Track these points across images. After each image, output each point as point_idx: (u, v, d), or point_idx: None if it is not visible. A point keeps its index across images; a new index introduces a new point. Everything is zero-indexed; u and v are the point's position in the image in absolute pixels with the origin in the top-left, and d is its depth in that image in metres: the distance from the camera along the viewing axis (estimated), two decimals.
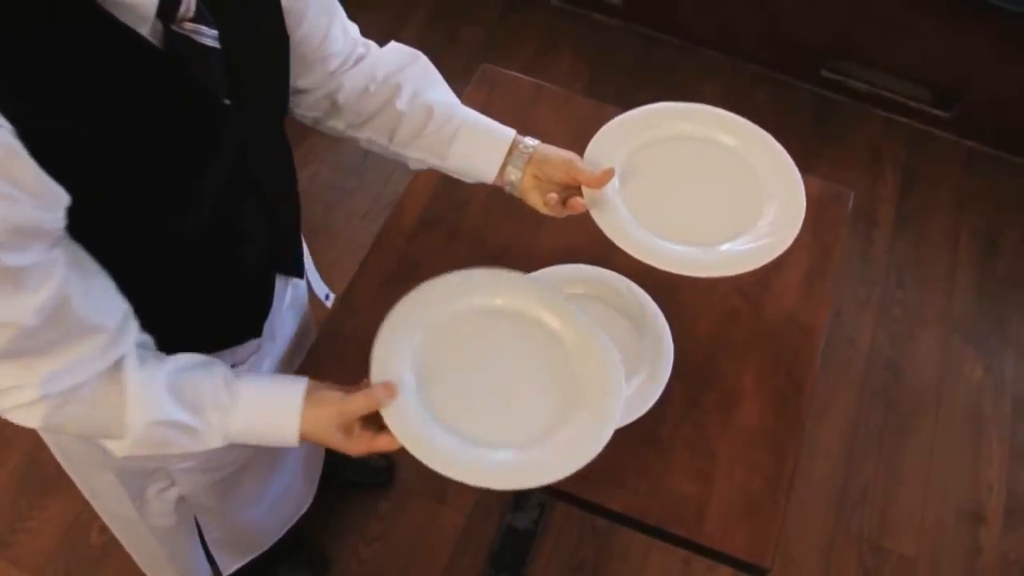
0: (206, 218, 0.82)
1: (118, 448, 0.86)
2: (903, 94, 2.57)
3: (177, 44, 0.69)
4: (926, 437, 2.04)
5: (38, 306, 0.69)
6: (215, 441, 0.88)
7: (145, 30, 0.67)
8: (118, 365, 0.81)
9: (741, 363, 1.18)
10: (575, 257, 1.21)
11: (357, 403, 0.87)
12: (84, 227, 0.71)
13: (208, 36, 0.72)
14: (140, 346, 0.84)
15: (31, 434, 1.92)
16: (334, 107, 1.04)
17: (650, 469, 1.09)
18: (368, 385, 0.90)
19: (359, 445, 0.89)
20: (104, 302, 0.78)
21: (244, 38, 0.79)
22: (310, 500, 1.55)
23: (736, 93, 2.62)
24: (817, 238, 1.31)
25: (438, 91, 1.07)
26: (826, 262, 1.28)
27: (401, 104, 1.03)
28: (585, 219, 1.01)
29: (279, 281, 1.09)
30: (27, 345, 0.72)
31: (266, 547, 1.51)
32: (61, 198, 0.65)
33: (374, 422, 0.89)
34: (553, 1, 2.76)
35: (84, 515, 1.76)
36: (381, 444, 0.88)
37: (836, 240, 1.31)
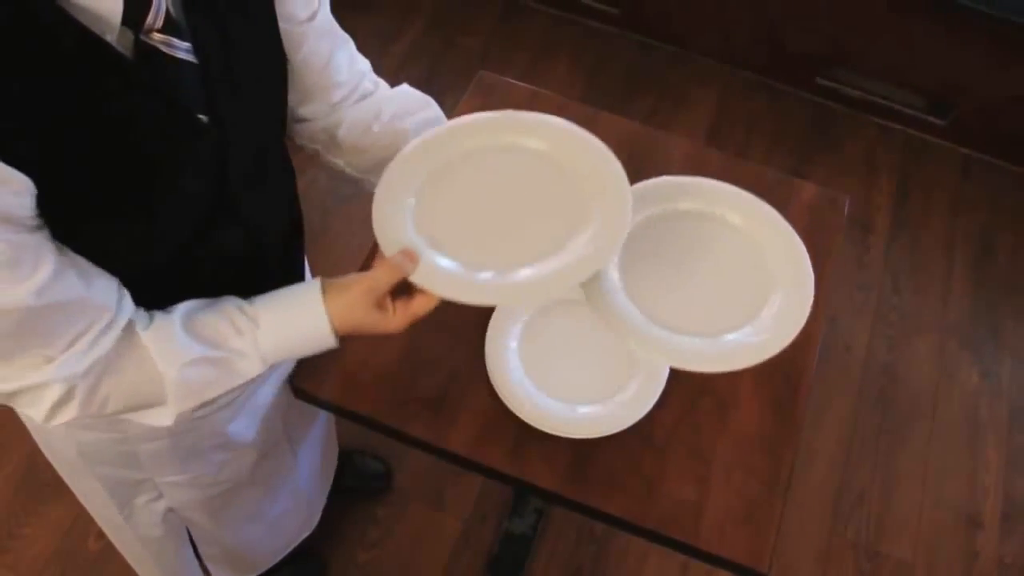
0: (182, 233, 0.82)
1: (164, 415, 0.85)
2: (898, 102, 2.58)
3: (145, 54, 0.69)
4: (922, 442, 2.04)
5: (38, 286, 0.69)
6: (254, 367, 0.86)
7: (112, 38, 0.66)
8: (129, 330, 0.80)
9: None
10: None
11: (383, 275, 0.85)
12: (62, 226, 0.71)
13: (180, 49, 0.71)
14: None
15: (28, 439, 1.92)
16: (333, 141, 1.02)
17: (647, 473, 1.09)
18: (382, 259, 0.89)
19: (398, 317, 0.87)
20: (103, 286, 0.77)
21: (228, 55, 0.78)
22: (313, 525, 1.55)
23: (731, 100, 2.63)
24: (812, 243, 1.30)
25: None
26: (822, 266, 1.29)
27: None
28: None
29: None
30: (36, 328, 0.72)
31: (265, 568, 1.50)
32: (27, 185, 0.65)
33: (401, 292, 0.88)
34: (530, 3, 2.78)
35: (81, 520, 1.76)
36: (419, 306, 0.87)
37: (832, 245, 1.31)
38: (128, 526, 1.21)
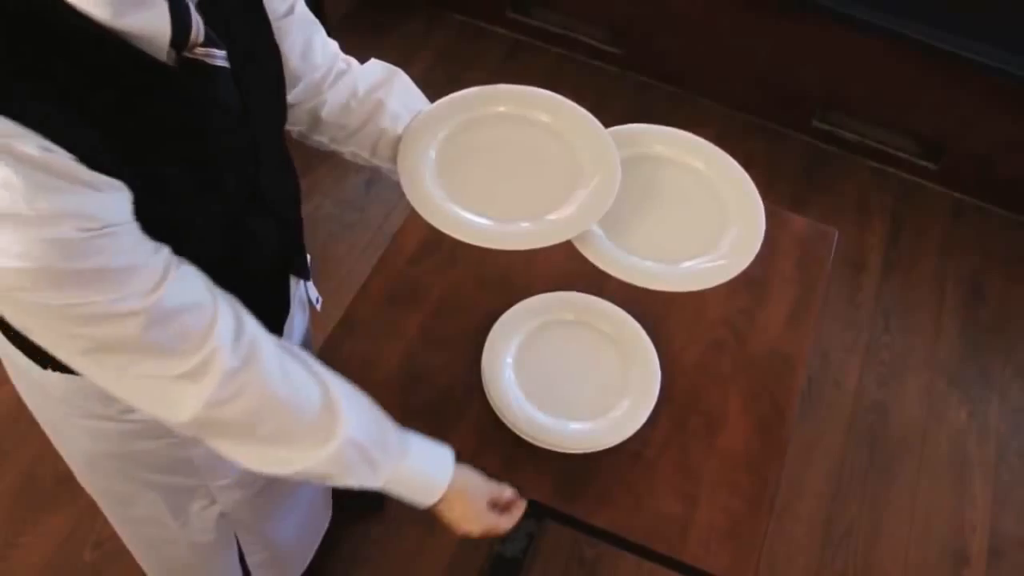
0: (219, 222, 0.87)
1: (308, 460, 0.88)
2: (891, 146, 2.65)
3: (192, 67, 0.76)
4: (911, 478, 2.07)
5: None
6: (376, 481, 0.93)
7: (162, 57, 0.73)
8: (324, 383, 0.90)
9: (726, 390, 1.22)
10: (570, 283, 1.26)
11: (504, 491, 1.05)
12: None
13: (219, 57, 0.78)
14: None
15: (29, 449, 1.95)
16: (317, 121, 1.08)
17: (636, 488, 1.12)
18: None
19: (488, 518, 1.03)
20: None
21: (246, 55, 0.84)
22: (327, 521, 1.60)
23: (729, 140, 2.66)
24: (802, 273, 1.36)
25: (420, 105, 1.11)
26: (810, 296, 1.34)
27: (384, 122, 1.07)
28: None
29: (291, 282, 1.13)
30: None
31: (299, 572, 1.54)
32: (122, 190, 0.71)
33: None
34: (536, 42, 2.86)
35: (78, 532, 1.78)
36: (505, 523, 1.05)
37: (820, 275, 1.36)
38: (183, 533, 1.24)
